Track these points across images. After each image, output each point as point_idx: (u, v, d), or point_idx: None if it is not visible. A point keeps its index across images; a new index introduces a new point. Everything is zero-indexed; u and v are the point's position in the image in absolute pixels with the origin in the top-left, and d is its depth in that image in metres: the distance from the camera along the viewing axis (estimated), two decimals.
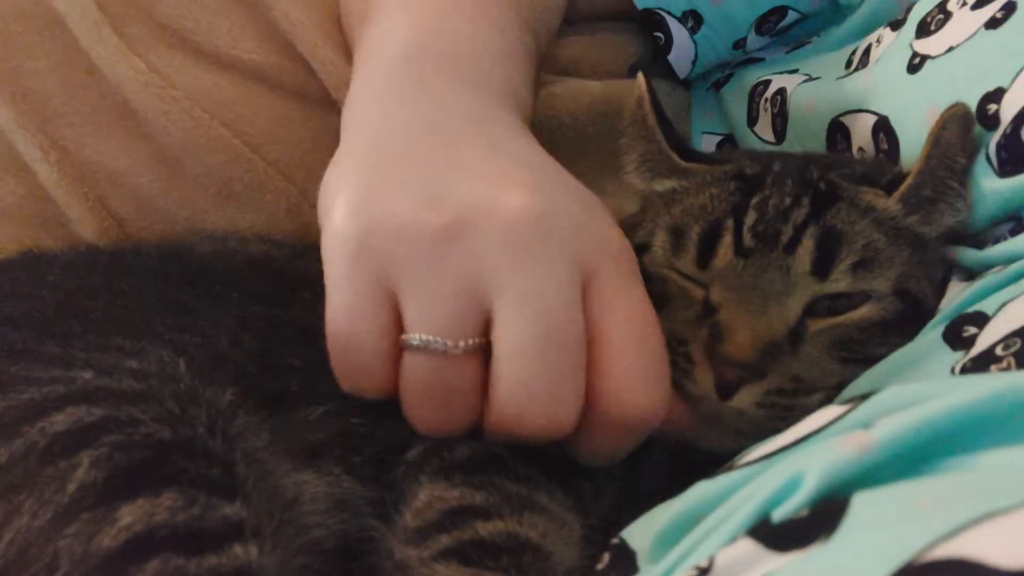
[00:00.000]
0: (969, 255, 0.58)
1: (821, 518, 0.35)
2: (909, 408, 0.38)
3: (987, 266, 0.55)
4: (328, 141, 0.83)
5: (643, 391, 0.54)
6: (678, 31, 0.85)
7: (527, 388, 0.53)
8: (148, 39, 0.81)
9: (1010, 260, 0.53)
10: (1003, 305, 0.50)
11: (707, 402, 0.58)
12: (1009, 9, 0.59)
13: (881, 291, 0.58)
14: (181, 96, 0.81)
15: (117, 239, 0.82)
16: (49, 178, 0.80)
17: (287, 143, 0.83)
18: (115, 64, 0.79)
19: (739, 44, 0.88)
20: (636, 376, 0.54)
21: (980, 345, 0.48)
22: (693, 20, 0.84)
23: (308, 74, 0.82)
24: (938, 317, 0.55)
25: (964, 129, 0.57)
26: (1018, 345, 0.45)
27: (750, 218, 0.60)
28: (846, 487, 0.36)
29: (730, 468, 0.46)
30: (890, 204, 0.60)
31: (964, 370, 0.47)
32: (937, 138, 0.58)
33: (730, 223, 0.60)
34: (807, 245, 0.58)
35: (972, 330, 0.50)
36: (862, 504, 0.35)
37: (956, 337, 0.51)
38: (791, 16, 0.85)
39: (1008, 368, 0.45)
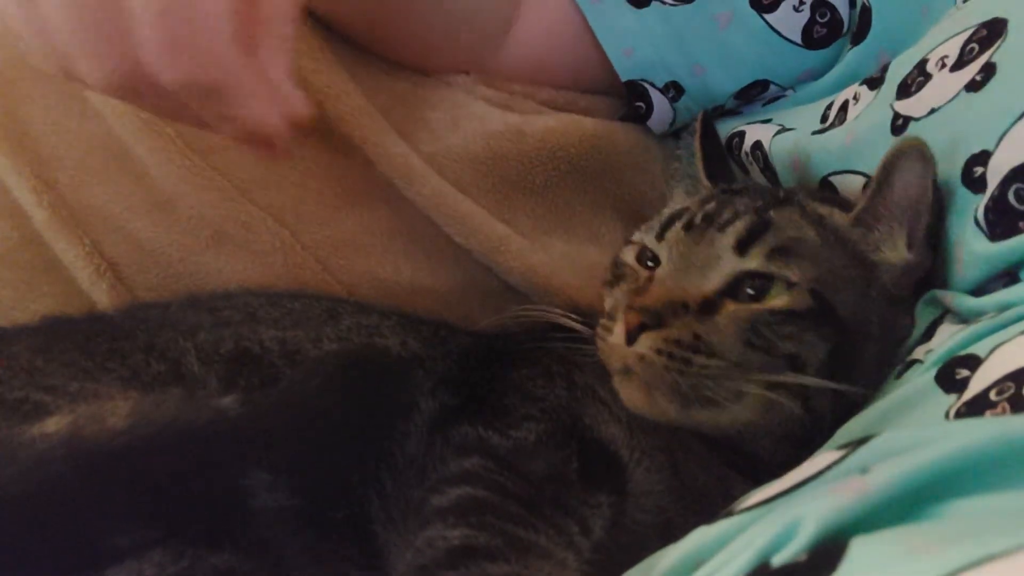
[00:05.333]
0: (963, 301, 0.58)
1: (819, 561, 0.36)
2: (905, 453, 0.38)
3: (980, 313, 0.56)
4: (317, 185, 0.84)
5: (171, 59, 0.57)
6: (659, 100, 0.88)
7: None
8: None
9: (1004, 308, 0.54)
10: (995, 348, 0.50)
11: (619, 350, 0.62)
12: (988, 71, 0.60)
13: (792, 280, 0.61)
14: (174, 135, 0.81)
15: (112, 284, 0.81)
16: (43, 222, 0.80)
17: (277, 187, 0.83)
18: (115, 102, 0.78)
19: (717, 108, 0.90)
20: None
21: (973, 388, 0.49)
22: (674, 90, 0.87)
23: None
24: (931, 359, 0.55)
25: (913, 168, 0.61)
26: (1012, 390, 0.46)
27: (709, 206, 0.67)
28: (844, 531, 0.37)
29: (729, 513, 0.46)
30: (836, 216, 0.65)
31: (959, 415, 0.48)
32: (879, 172, 0.63)
33: (694, 208, 0.68)
34: (738, 226, 0.64)
35: (964, 372, 0.51)
36: (860, 548, 0.35)
37: (949, 379, 0.52)
38: (773, 90, 0.87)
39: (1003, 414, 0.45)
